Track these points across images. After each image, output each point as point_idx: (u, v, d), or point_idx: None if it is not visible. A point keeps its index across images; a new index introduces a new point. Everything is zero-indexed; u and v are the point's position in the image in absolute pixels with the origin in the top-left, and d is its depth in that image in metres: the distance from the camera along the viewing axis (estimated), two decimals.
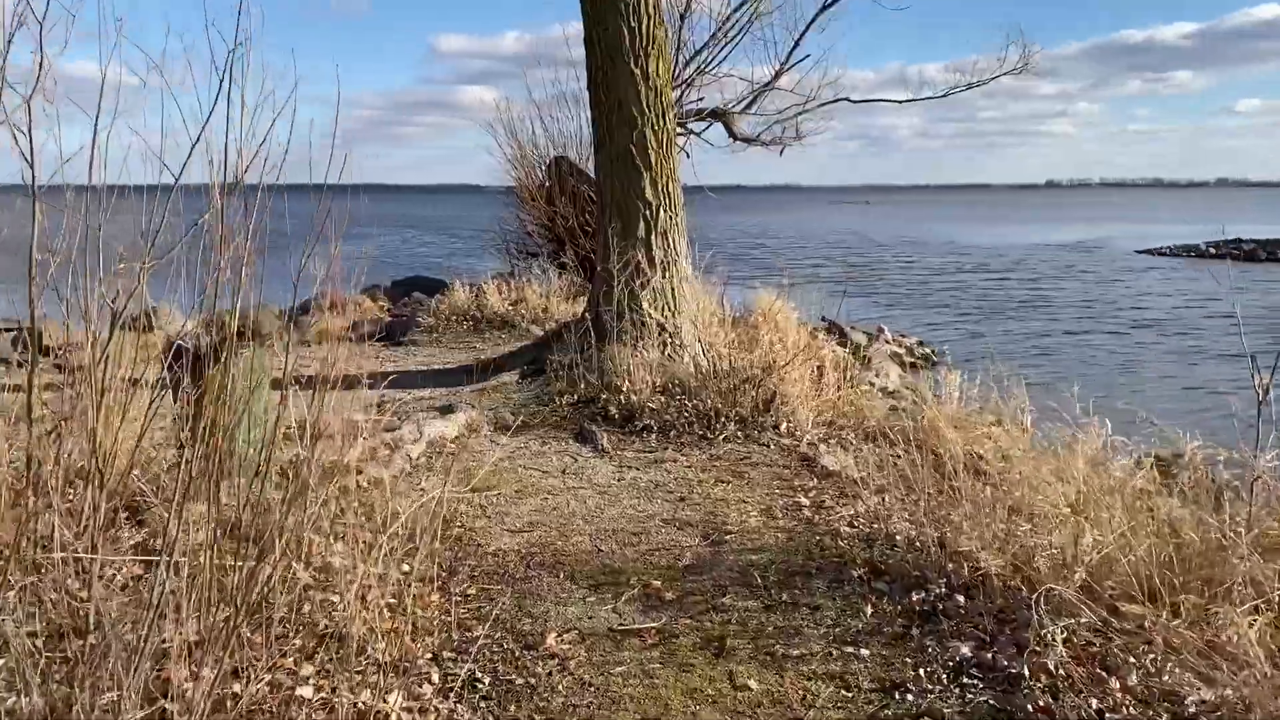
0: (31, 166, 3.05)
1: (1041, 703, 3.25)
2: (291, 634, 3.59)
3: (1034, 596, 3.63)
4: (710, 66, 13.02)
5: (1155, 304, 25.63)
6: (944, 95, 14.84)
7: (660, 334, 8.41)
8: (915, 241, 52.27)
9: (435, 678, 3.50)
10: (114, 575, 3.77)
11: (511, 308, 11.87)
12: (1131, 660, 3.43)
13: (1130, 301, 26.27)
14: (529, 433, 7.02)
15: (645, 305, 8.39)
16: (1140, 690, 3.29)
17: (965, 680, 3.44)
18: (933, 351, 15.86)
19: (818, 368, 7.90)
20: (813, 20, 13.39)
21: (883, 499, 5.41)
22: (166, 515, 3.27)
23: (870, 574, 4.32)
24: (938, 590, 4.04)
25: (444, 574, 4.44)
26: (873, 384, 9.82)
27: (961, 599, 3.98)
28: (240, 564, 3.21)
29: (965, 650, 3.61)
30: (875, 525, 5.00)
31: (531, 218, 13.80)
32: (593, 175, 13.72)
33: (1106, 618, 3.58)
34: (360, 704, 3.19)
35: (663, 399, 7.42)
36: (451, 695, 3.38)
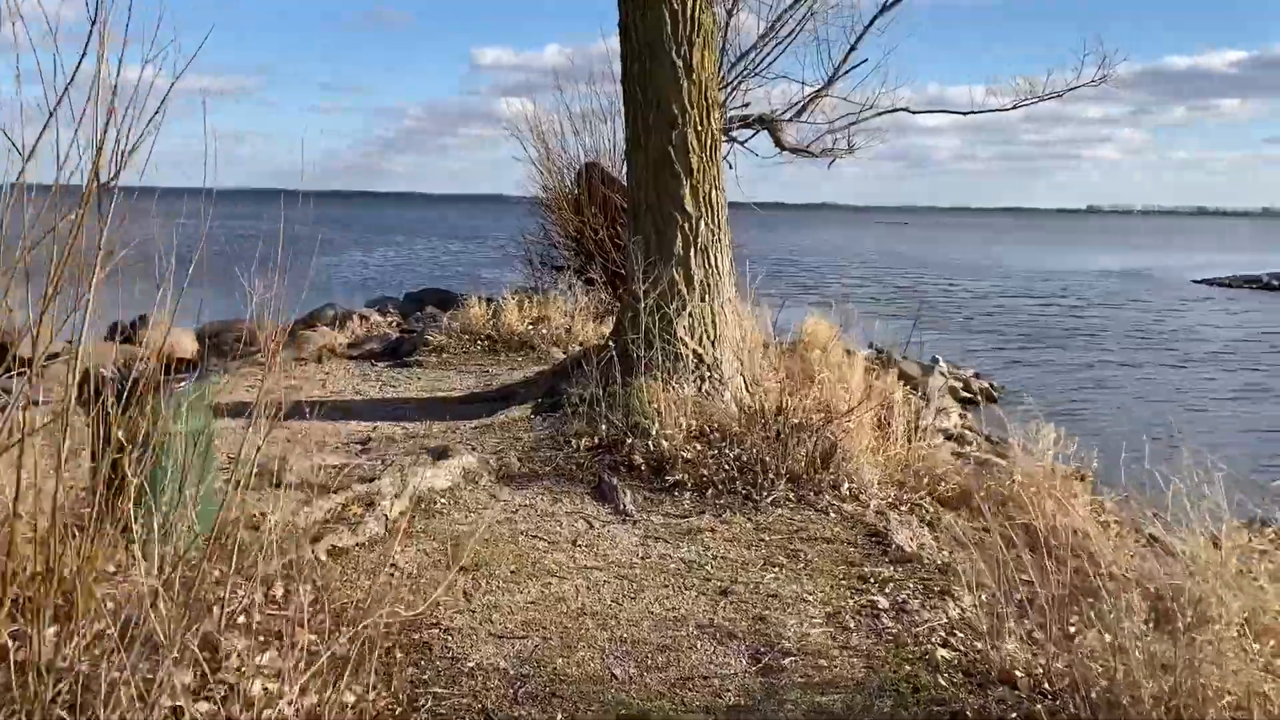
0: None
1: None
2: None
3: None
4: (758, 68, 11.85)
5: (1217, 335, 24.10)
6: (1013, 108, 13.57)
7: (697, 367, 7.22)
8: (957, 265, 50.74)
9: None
10: None
11: (531, 327, 10.73)
12: None
13: (1191, 333, 24.74)
14: (538, 484, 5.85)
15: (680, 332, 7.21)
16: None
17: None
18: (991, 386, 14.54)
19: (883, 412, 6.67)
20: (871, 21, 12.16)
21: (984, 601, 4.18)
22: None
23: None
24: None
25: (399, 706, 3.26)
26: (937, 428, 8.57)
27: None
28: None
29: None
30: (979, 648, 3.76)
31: (558, 228, 12.67)
32: (625, 183, 12.61)
33: None
34: None
35: (699, 446, 6.22)
36: None
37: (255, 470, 5.66)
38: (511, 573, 4.50)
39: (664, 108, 7.12)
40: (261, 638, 3.72)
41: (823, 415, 6.27)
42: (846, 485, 5.82)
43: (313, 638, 3.64)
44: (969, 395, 13.53)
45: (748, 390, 7.43)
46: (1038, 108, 12.74)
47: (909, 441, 6.55)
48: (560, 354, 10.18)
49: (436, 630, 3.88)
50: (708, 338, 7.33)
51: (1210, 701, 2.86)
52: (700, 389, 7.16)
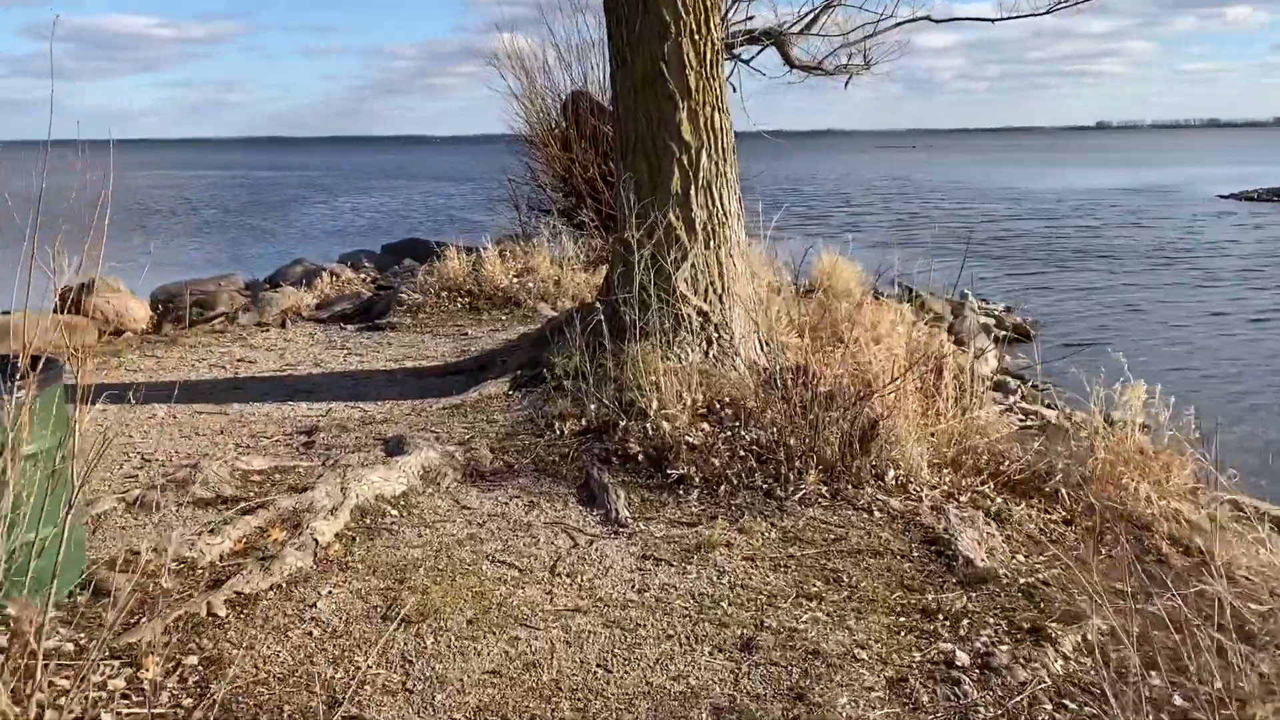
0: None
1: None
2: None
3: None
4: None
5: (1246, 251, 22.76)
6: (1046, 12, 12.22)
7: (703, 327, 6.10)
8: (968, 188, 49.08)
9: None
10: None
11: (517, 280, 9.60)
12: None
13: (1219, 249, 23.41)
14: (512, 483, 4.78)
15: (681, 287, 6.08)
16: None
17: None
18: (1025, 322, 13.37)
19: (931, 373, 5.55)
20: None
21: (1095, 643, 3.12)
22: None
23: None
24: None
25: None
26: (987, 385, 7.45)
27: None
28: None
29: None
30: None
31: (544, 167, 11.46)
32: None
33: None
34: None
35: (707, 428, 5.13)
36: None
37: (162, 482, 4.62)
38: (468, 623, 3.44)
39: (653, 11, 5.90)
40: None
41: (859, 384, 5.16)
42: (892, 473, 4.73)
43: None
44: (1004, 333, 12.37)
45: (763, 352, 6.32)
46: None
47: (961, 409, 5.44)
48: (549, 310, 9.06)
49: None
50: (713, 292, 6.20)
51: None
52: (707, 354, 6.05)
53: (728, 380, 5.69)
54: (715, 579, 3.78)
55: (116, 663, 3.07)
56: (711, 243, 6.19)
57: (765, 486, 4.62)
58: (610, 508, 4.42)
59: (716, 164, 6.17)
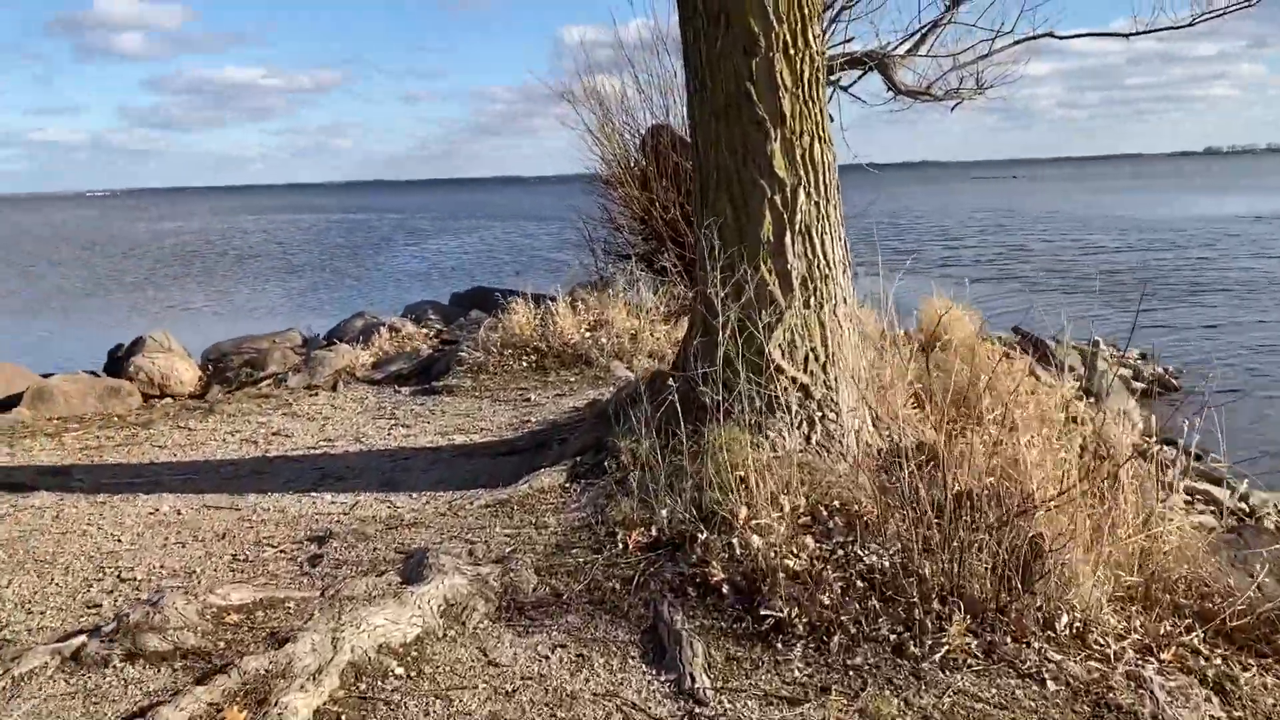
0: None
1: None
2: None
3: None
4: None
5: None
6: (1189, 24, 10.80)
7: (802, 405, 4.95)
8: (1075, 217, 46.66)
9: None
10: None
11: (589, 334, 8.58)
12: None
13: None
14: (558, 623, 3.69)
15: (775, 355, 4.95)
16: None
17: None
18: (1167, 371, 11.81)
19: (1104, 471, 4.27)
20: None
21: None
22: None
23: None
24: None
25: None
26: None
27: None
28: None
29: None
30: None
31: (621, 207, 10.47)
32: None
33: None
34: None
35: (812, 545, 3.98)
36: None
37: (112, 626, 3.65)
38: None
39: (737, 22, 4.84)
40: None
41: (1011, 488, 3.95)
42: (1065, 618, 3.50)
43: None
44: (1141, 385, 10.88)
45: (876, 431, 5.14)
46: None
47: (1144, 518, 4.16)
48: (624, 370, 8.00)
49: None
50: (814, 360, 5.05)
51: None
52: (808, 439, 4.90)
53: (835, 476, 4.53)
54: None
55: None
56: (811, 300, 5.06)
57: (893, 638, 3.43)
58: (684, 671, 3.29)
59: (817, 204, 5.04)
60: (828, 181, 5.10)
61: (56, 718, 3.04)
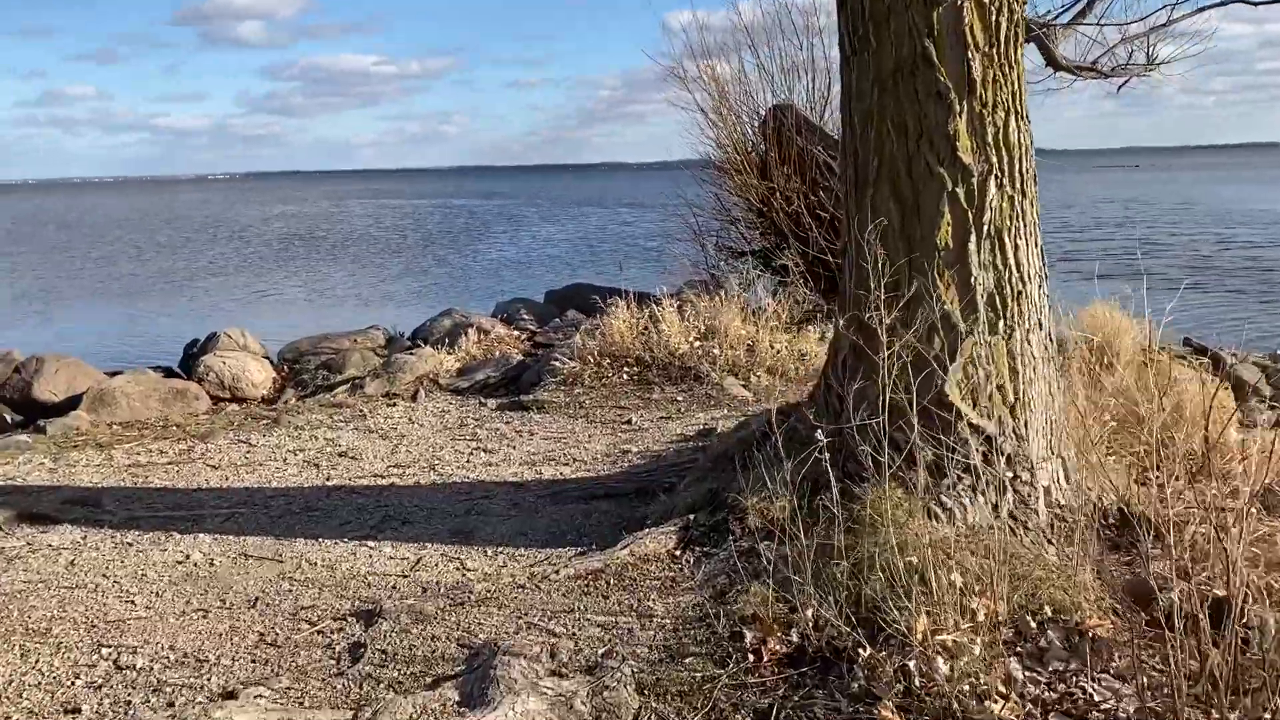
0: None
1: None
2: None
3: None
4: None
5: None
6: None
7: (988, 460, 3.79)
8: (1210, 209, 43.48)
9: None
10: None
11: (699, 344, 7.52)
12: None
13: None
14: None
15: (953, 396, 3.80)
16: None
17: None
18: None
19: None
20: None
21: None
22: None
23: None
24: None
25: None
26: None
27: None
28: None
29: None
30: None
31: (737, 198, 9.35)
32: (829, 131, 9.09)
33: None
34: None
35: (1021, 677, 2.84)
36: None
37: None
38: None
39: None
40: None
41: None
42: None
43: None
44: None
45: (1068, 487, 3.96)
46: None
47: None
48: (739, 388, 6.91)
49: None
50: (1003, 401, 3.89)
51: None
52: (997, 508, 3.74)
53: (1043, 567, 3.37)
54: None
55: None
56: (1000, 323, 3.89)
57: None
58: None
59: (1011, 199, 3.87)
60: (1024, 170, 3.92)
61: None
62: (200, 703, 3.00)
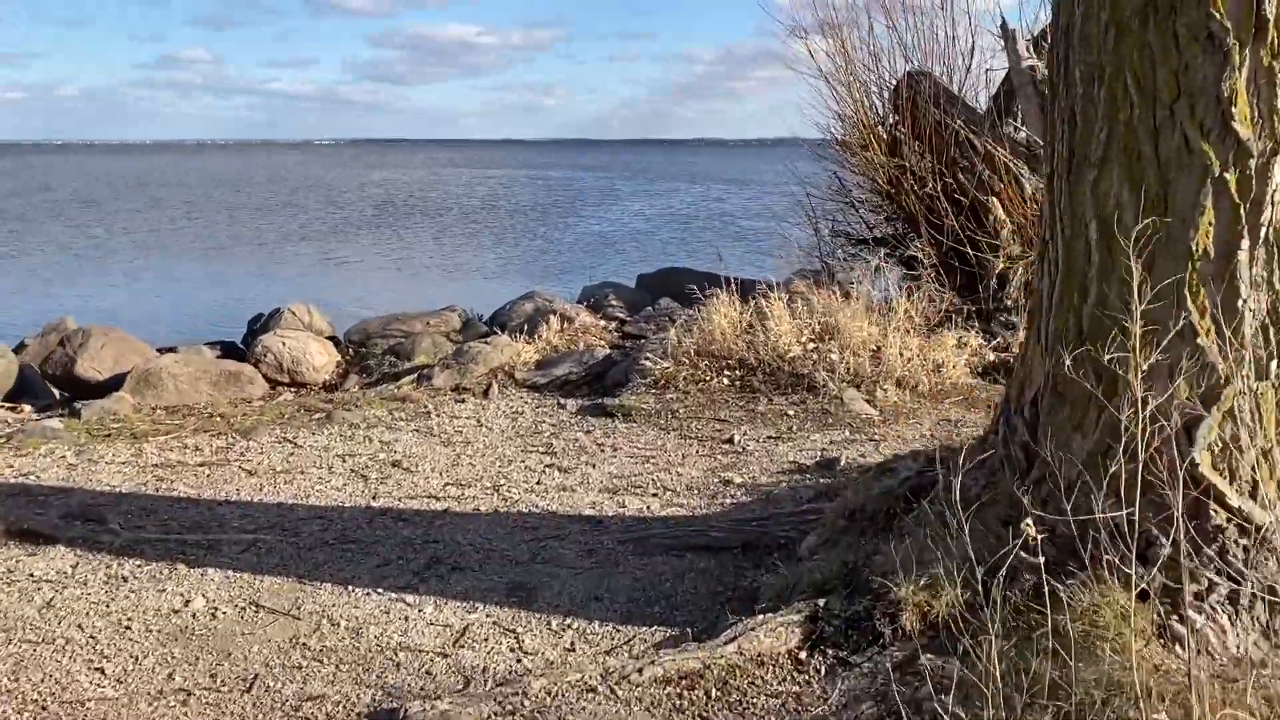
0: None
1: None
2: None
3: None
4: None
5: None
6: None
7: (1247, 553, 2.69)
8: None
9: None
10: None
11: (812, 347, 6.46)
12: None
13: None
14: None
15: (1204, 463, 2.71)
16: None
17: None
18: None
19: None
20: None
21: None
22: None
23: None
24: None
25: None
26: None
27: None
28: None
29: None
30: None
31: (861, 177, 8.20)
32: (971, 104, 7.87)
33: None
34: None
35: None
36: None
37: None
38: None
39: None
40: None
41: None
42: None
43: None
44: None
45: None
46: None
47: None
48: (862, 404, 5.85)
49: None
50: (1271, 475, 2.77)
51: None
52: (1267, 631, 2.64)
53: None
54: None
55: None
56: (1275, 366, 2.77)
57: None
58: None
59: None
60: None
61: None
62: None
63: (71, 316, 8.39)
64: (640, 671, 2.96)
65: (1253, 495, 2.75)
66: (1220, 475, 2.75)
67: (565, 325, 7.97)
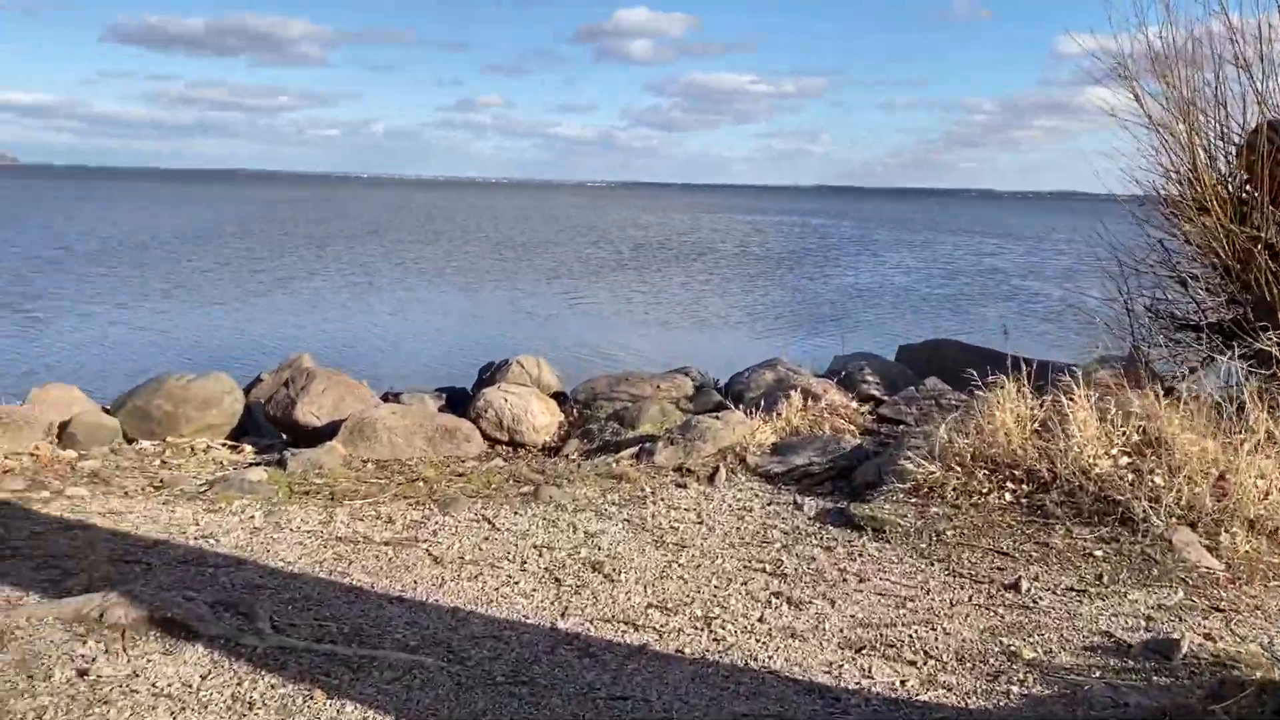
0: None
1: None
2: None
3: None
4: None
5: None
6: None
7: None
8: None
9: None
10: None
11: (1127, 462, 5.06)
12: None
13: None
14: None
15: None
16: None
17: None
18: None
19: None
20: None
21: None
22: None
23: None
24: None
25: None
26: None
27: None
28: None
29: None
30: None
31: (1193, 246, 6.63)
32: None
33: None
34: None
35: None
36: None
37: None
38: None
39: None
40: None
41: None
42: None
43: None
44: None
45: None
46: None
47: None
48: (1199, 548, 4.44)
49: None
50: None
51: None
52: None
53: None
54: None
55: None
56: None
57: None
58: None
59: None
60: None
61: None
62: None
63: (309, 354, 8.26)
64: None
65: None
66: None
67: (809, 403, 6.91)
